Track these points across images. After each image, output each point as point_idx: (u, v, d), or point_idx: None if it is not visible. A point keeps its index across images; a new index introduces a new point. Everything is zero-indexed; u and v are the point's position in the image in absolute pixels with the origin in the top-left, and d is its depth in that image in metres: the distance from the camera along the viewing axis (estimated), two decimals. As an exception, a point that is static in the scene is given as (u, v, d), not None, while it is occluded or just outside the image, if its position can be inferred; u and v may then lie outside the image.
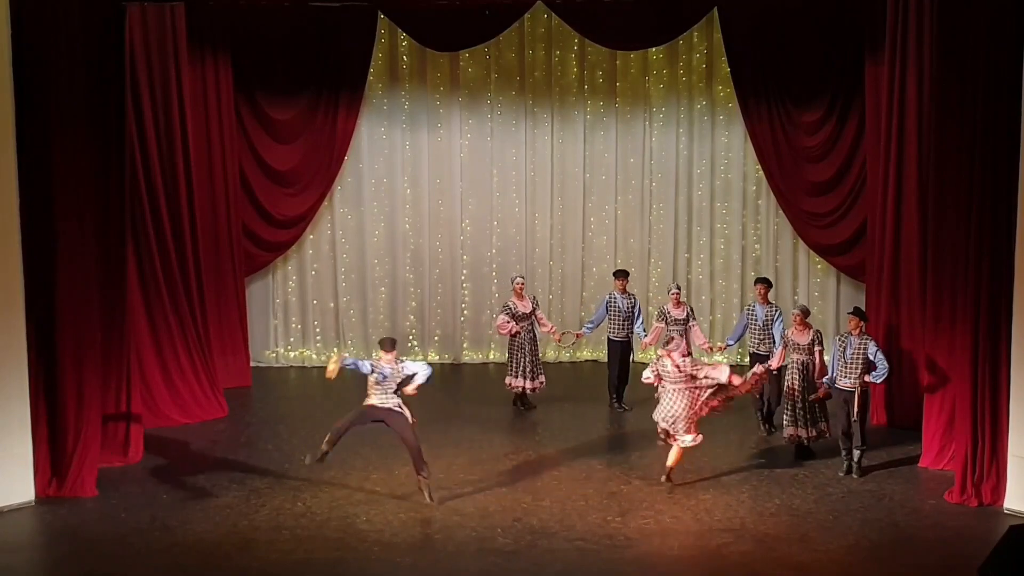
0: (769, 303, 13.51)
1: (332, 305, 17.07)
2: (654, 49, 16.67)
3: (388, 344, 11.06)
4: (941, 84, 11.69)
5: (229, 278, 15.62)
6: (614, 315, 14.42)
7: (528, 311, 14.33)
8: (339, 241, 16.97)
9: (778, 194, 16.38)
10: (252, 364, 16.18)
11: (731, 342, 14.05)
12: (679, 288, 14.26)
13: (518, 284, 14.39)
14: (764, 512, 10.89)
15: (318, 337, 17.07)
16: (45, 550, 10.31)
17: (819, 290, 17.01)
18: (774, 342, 13.05)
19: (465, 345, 17.35)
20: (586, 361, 17.29)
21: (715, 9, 15.90)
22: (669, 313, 13.89)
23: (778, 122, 16.09)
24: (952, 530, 10.44)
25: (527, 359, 14.27)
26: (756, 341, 13.41)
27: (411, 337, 17.27)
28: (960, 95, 11.18)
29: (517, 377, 14.33)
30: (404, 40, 16.59)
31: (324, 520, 10.65)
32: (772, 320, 13.32)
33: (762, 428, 13.35)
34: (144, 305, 13.62)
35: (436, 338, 17.30)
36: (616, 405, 14.49)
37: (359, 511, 10.88)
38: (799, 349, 12.25)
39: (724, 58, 16.14)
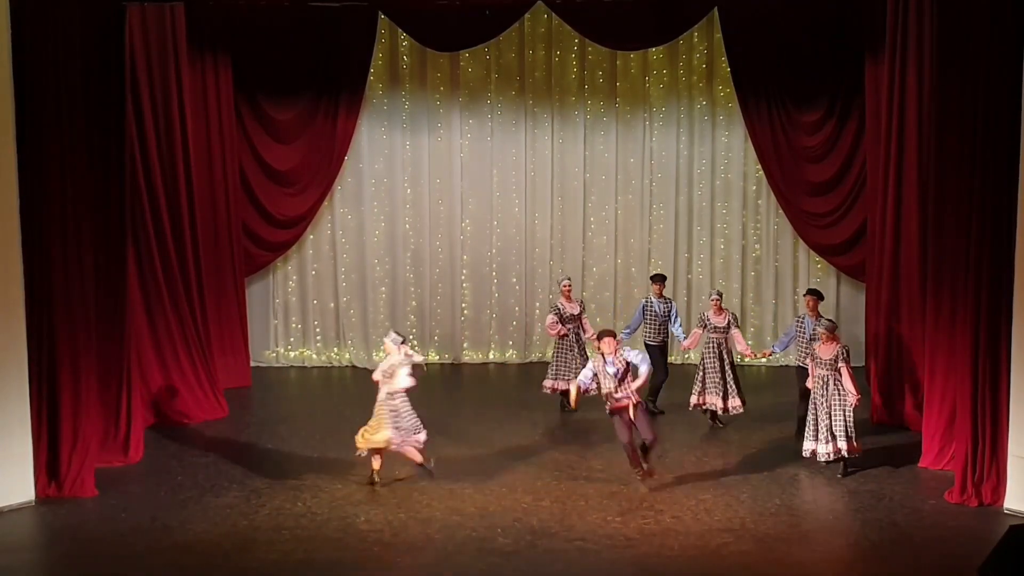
0: (820, 316, 12.85)
1: (332, 305, 17.07)
2: (654, 49, 16.67)
3: None
4: (941, 84, 11.69)
5: (229, 278, 15.63)
6: (650, 319, 14.09)
7: (576, 313, 14.14)
8: (339, 241, 16.98)
9: (778, 194, 16.39)
10: (252, 364, 16.19)
11: (777, 350, 13.69)
12: (720, 294, 13.71)
13: (565, 286, 14.21)
14: (764, 512, 10.89)
15: (318, 337, 17.07)
16: (45, 550, 10.31)
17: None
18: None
19: (465, 345, 17.36)
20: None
21: (715, 9, 15.90)
22: (709, 320, 13.43)
23: (778, 122, 16.10)
24: (952, 530, 10.44)
25: (576, 362, 13.99)
26: (804, 354, 12.75)
27: (411, 337, 17.27)
28: (960, 95, 11.18)
29: (559, 379, 14.02)
30: (404, 40, 16.59)
31: (324, 520, 10.65)
32: None
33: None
34: (144, 305, 13.62)
35: (436, 338, 17.30)
36: (652, 407, 14.04)
37: (359, 511, 10.88)
38: (823, 364, 11.76)
39: (724, 58, 16.15)
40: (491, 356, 17.31)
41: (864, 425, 13.50)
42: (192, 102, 14.50)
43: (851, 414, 11.67)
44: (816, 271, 17.00)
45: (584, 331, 14.25)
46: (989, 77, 10.75)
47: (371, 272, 17.07)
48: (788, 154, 16.20)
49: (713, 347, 13.36)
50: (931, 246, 12.11)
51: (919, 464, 12.16)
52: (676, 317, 14.21)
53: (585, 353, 14.19)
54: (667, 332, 14.16)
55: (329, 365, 17.03)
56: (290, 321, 17.07)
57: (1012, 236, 10.63)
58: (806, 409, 12.18)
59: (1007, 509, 10.78)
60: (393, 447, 11.44)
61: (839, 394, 11.66)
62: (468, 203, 17.17)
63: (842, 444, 11.66)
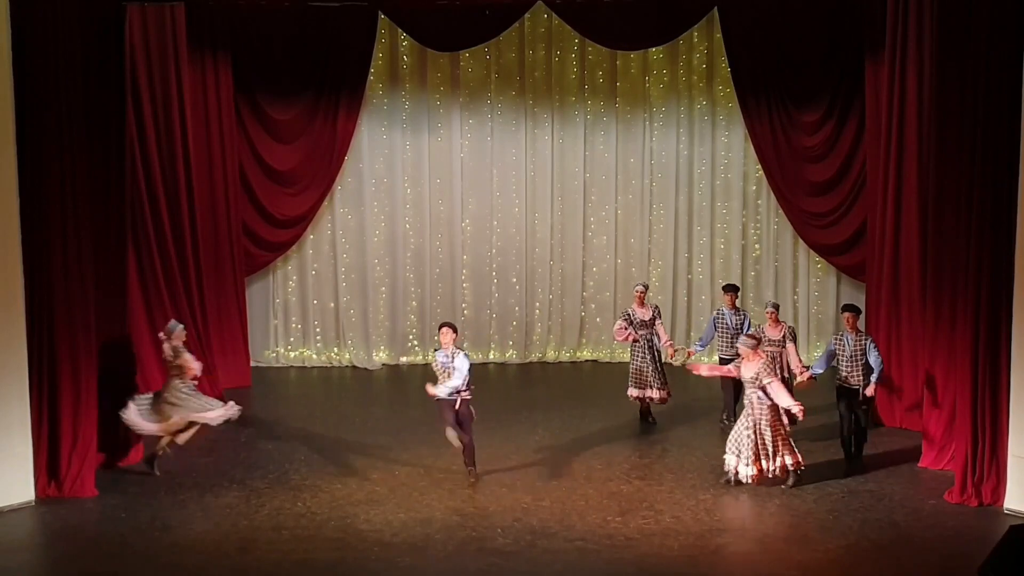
0: (859, 331, 12.18)
1: (332, 305, 17.07)
2: (654, 49, 16.67)
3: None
4: (941, 84, 11.69)
5: (229, 278, 15.63)
6: (723, 331, 13.49)
7: (648, 319, 13.53)
8: (339, 241, 16.98)
9: (778, 194, 16.40)
10: (252, 364, 16.19)
11: (817, 370, 12.34)
12: (776, 306, 13.07)
13: (638, 291, 13.69)
14: (764, 512, 10.89)
15: (318, 337, 17.07)
16: (45, 550, 10.31)
17: (819, 290, 17.03)
18: (864, 372, 11.99)
19: (465, 345, 17.33)
20: (586, 361, 17.29)
21: (715, 9, 15.91)
22: (765, 333, 12.79)
23: (778, 122, 16.10)
24: (952, 530, 10.44)
25: (648, 368, 13.50)
26: (845, 373, 12.13)
27: (411, 337, 17.28)
28: (960, 95, 11.18)
29: (637, 387, 13.57)
30: (404, 40, 16.59)
31: (324, 520, 10.66)
32: (864, 350, 12.03)
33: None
34: (144, 305, 13.62)
35: (436, 338, 17.27)
36: (726, 422, 13.40)
37: (359, 511, 10.88)
38: (747, 383, 11.39)
39: (724, 58, 16.15)
40: (491, 356, 17.31)
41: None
42: (192, 102, 14.50)
43: (768, 432, 11.27)
44: (816, 271, 17.01)
45: (659, 337, 13.63)
46: (989, 77, 10.74)
47: (371, 272, 17.07)
48: (788, 154, 16.19)
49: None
50: (931, 246, 12.11)
51: (919, 464, 12.16)
52: (748, 329, 13.29)
53: (661, 359, 13.72)
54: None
55: (329, 365, 17.03)
56: (290, 321, 17.07)
57: (1012, 236, 10.62)
58: (848, 429, 12.11)
59: (1007, 509, 10.78)
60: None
61: (763, 410, 11.27)
62: (468, 203, 17.17)
63: (771, 463, 11.30)
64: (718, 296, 17.16)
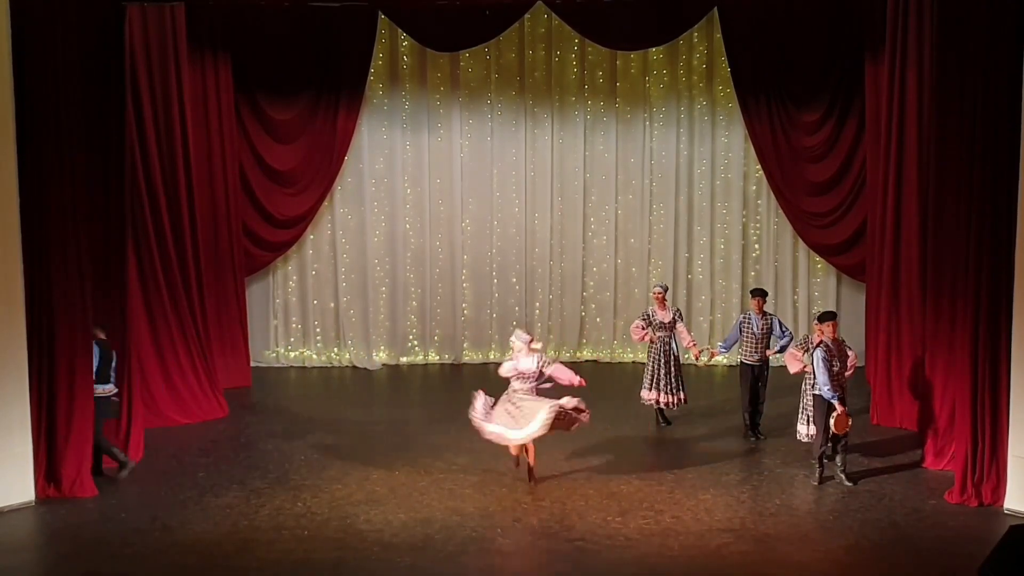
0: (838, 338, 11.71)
1: (332, 305, 17.07)
2: (654, 49, 16.67)
3: None
4: (941, 84, 11.70)
5: (229, 278, 15.63)
6: (748, 336, 13.03)
7: (668, 320, 13.38)
8: (339, 241, 16.98)
9: (778, 194, 16.40)
10: (252, 364, 16.18)
11: (831, 393, 11.54)
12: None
13: (657, 293, 13.56)
14: (764, 512, 10.89)
15: (318, 337, 17.07)
16: (45, 550, 10.31)
17: (819, 290, 17.02)
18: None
19: (465, 345, 17.35)
20: (586, 361, 17.28)
21: (715, 9, 15.92)
22: (813, 343, 11.88)
23: (778, 122, 16.11)
24: (952, 530, 10.44)
25: (662, 371, 13.40)
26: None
27: (411, 337, 17.28)
28: (960, 95, 11.18)
29: (651, 390, 13.46)
30: (404, 40, 16.59)
31: (324, 520, 10.66)
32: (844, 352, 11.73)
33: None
34: (144, 305, 13.62)
35: (436, 338, 17.30)
36: (751, 435, 13.17)
37: (359, 511, 10.88)
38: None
39: (724, 58, 16.16)
40: (491, 356, 17.30)
41: (864, 425, 13.53)
42: (192, 102, 14.49)
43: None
44: (816, 271, 17.00)
45: (682, 339, 13.50)
46: (989, 77, 10.75)
47: (371, 272, 17.07)
48: (788, 154, 16.20)
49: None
50: (931, 246, 12.12)
51: (919, 464, 12.17)
52: (777, 332, 12.99)
53: (677, 361, 13.55)
54: (765, 351, 12.99)
55: (329, 365, 17.03)
56: (290, 321, 17.07)
57: (1012, 236, 10.63)
58: (824, 440, 11.63)
59: (1007, 509, 10.79)
60: None
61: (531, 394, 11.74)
62: (468, 203, 17.17)
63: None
64: (718, 296, 17.23)
